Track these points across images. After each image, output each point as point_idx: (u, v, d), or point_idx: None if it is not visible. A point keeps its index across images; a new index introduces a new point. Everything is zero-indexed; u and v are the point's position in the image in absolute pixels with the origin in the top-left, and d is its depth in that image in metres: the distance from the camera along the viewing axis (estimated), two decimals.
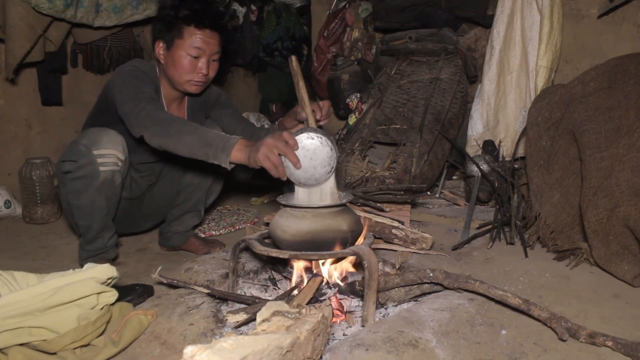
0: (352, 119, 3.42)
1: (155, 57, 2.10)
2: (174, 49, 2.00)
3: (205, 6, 1.99)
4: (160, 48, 2.05)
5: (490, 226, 2.33)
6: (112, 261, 2.17)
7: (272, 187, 3.68)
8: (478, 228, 2.38)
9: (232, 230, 2.81)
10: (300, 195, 1.62)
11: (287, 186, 1.73)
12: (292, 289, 1.69)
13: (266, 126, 4.42)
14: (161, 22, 2.02)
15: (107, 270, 1.37)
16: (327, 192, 1.61)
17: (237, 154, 1.60)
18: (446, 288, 1.62)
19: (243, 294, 1.78)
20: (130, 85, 1.91)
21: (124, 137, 1.99)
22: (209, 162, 1.66)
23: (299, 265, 1.75)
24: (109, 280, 1.39)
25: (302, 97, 1.70)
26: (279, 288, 1.87)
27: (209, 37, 2.01)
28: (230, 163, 1.62)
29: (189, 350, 0.89)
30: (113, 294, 1.41)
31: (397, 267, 1.92)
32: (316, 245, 1.51)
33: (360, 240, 1.64)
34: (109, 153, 1.93)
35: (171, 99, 2.16)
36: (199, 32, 1.98)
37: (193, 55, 1.99)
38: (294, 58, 1.71)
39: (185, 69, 2.01)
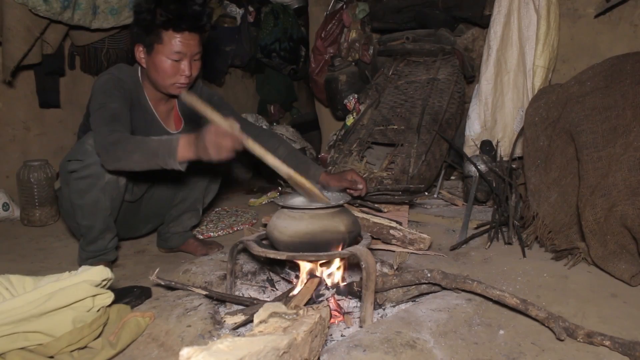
0: (349, 120, 3.42)
1: (136, 61, 2.08)
2: (155, 53, 1.98)
3: (182, 9, 1.94)
4: (140, 52, 2.03)
5: (488, 226, 2.33)
6: (112, 263, 2.17)
7: (270, 188, 3.69)
8: (476, 228, 2.38)
9: (231, 231, 2.81)
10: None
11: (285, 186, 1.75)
12: (290, 290, 1.69)
13: (264, 127, 4.43)
14: (139, 27, 1.99)
15: (101, 272, 1.37)
16: None
17: (185, 154, 1.65)
18: (444, 288, 1.62)
19: (241, 295, 1.78)
20: (97, 102, 1.91)
21: None
22: (167, 168, 1.70)
23: (297, 266, 1.75)
24: (104, 282, 1.39)
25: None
26: (277, 289, 1.87)
27: (189, 39, 1.98)
28: (182, 163, 1.68)
29: (185, 352, 0.88)
30: (109, 296, 1.40)
31: (395, 267, 1.92)
32: (314, 246, 1.51)
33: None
34: None
35: (157, 100, 2.15)
36: (178, 36, 1.95)
37: (174, 59, 1.97)
38: None
39: (168, 73, 2.00)
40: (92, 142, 1.93)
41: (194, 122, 2.28)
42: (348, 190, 2.09)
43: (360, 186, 2.09)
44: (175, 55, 1.97)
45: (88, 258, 2.07)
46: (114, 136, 1.80)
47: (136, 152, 1.73)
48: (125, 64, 2.16)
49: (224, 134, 1.54)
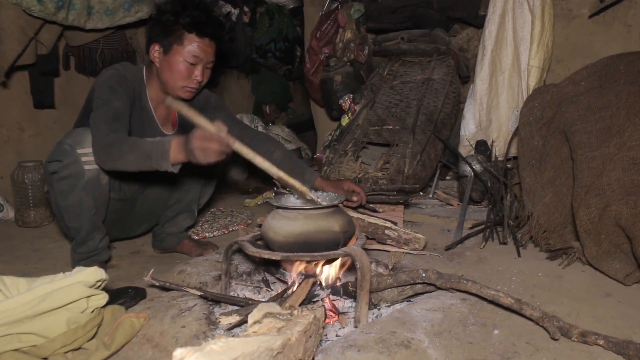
0: (345, 120, 3.42)
1: (149, 60, 2.10)
2: (172, 54, 2.01)
3: (207, 15, 2.03)
4: (156, 51, 2.05)
5: (483, 226, 2.34)
6: (105, 263, 2.17)
7: (265, 189, 3.68)
8: (471, 228, 2.38)
9: (226, 232, 2.81)
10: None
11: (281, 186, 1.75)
12: (285, 290, 1.69)
13: (260, 128, 4.42)
14: (160, 27, 2.03)
15: (95, 273, 1.37)
16: None
17: (177, 157, 1.67)
18: (439, 288, 1.62)
19: (236, 295, 1.78)
20: (102, 99, 1.93)
21: None
22: (161, 170, 1.72)
23: (291, 267, 1.75)
24: (99, 283, 1.39)
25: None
26: (272, 290, 1.87)
27: (208, 46, 2.04)
28: (175, 165, 1.70)
29: (178, 352, 0.88)
30: (103, 297, 1.40)
31: (390, 267, 1.92)
32: (308, 247, 1.51)
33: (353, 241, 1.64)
34: None
35: (159, 102, 2.17)
36: (199, 41, 2.01)
37: (190, 62, 2.02)
38: None
39: (182, 75, 2.03)
40: (70, 141, 1.93)
41: (188, 125, 2.28)
42: (344, 202, 2.09)
43: (354, 198, 2.10)
44: (192, 58, 2.01)
45: (80, 260, 2.06)
46: (111, 137, 1.81)
47: (131, 154, 1.74)
48: (129, 63, 2.17)
49: (210, 138, 1.55)
